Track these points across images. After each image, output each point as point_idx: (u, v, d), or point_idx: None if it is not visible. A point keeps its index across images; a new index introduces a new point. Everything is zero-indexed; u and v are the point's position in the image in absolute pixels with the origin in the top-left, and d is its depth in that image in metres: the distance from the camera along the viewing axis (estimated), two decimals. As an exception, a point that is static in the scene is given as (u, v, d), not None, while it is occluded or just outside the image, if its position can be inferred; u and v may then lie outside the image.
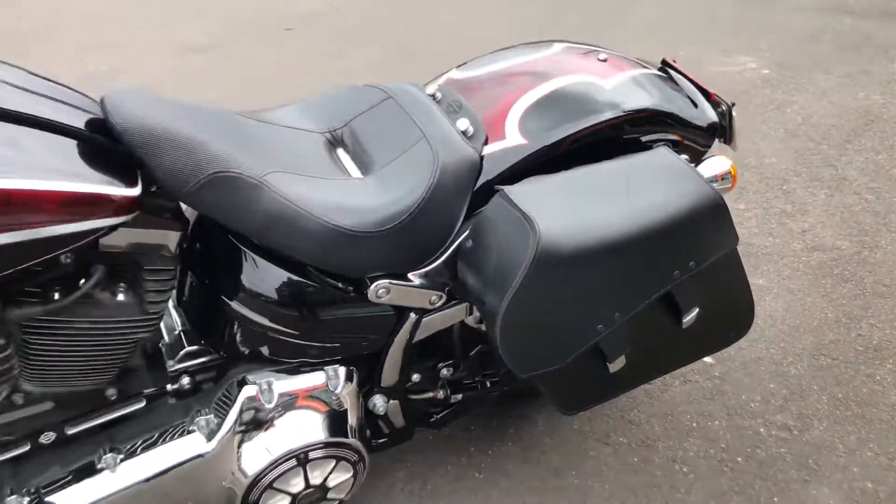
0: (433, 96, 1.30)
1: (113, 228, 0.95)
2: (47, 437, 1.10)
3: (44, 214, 0.87)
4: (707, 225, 1.16)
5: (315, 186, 1.10)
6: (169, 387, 1.17)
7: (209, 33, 4.48)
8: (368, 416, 1.33)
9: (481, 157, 1.20)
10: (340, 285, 1.15)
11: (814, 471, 1.55)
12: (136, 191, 0.95)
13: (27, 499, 1.06)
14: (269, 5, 5.04)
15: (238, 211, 1.03)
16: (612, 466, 1.55)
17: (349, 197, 1.11)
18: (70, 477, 1.09)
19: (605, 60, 1.36)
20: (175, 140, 0.98)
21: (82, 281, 1.00)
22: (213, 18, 4.77)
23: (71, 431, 1.11)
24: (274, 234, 1.06)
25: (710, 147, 1.41)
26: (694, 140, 1.37)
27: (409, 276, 1.18)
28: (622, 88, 1.30)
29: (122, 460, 1.10)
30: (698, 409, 1.70)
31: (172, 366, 1.18)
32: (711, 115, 1.38)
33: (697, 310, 1.24)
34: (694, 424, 1.66)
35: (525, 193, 1.10)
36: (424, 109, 1.23)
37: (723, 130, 1.41)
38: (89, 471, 1.09)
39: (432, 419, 1.45)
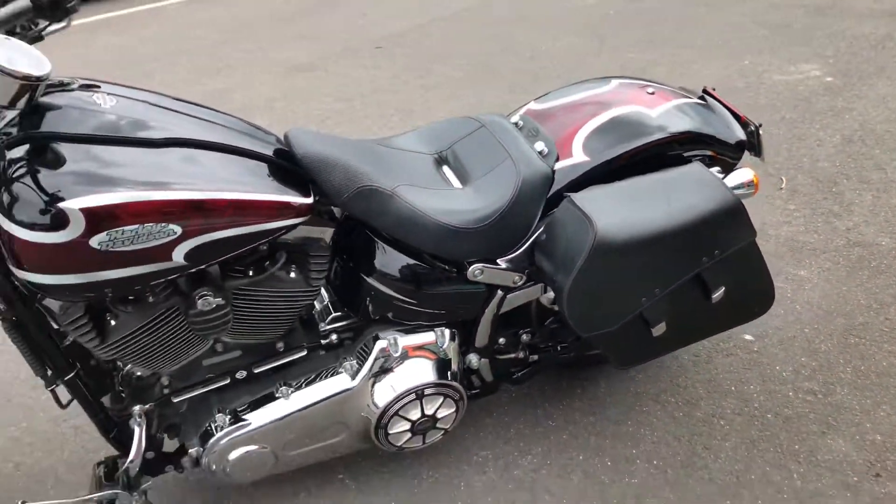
0: (516, 124, 1.69)
1: (293, 226, 1.38)
2: (241, 375, 1.54)
3: (254, 216, 1.30)
4: (727, 222, 1.51)
5: (429, 195, 1.50)
6: (322, 342, 1.60)
7: (310, 54, 4.98)
8: (465, 370, 1.73)
9: (553, 172, 1.58)
10: (447, 267, 1.55)
11: (832, 426, 1.86)
12: (310, 200, 1.37)
13: (229, 416, 1.50)
14: (360, 27, 5.53)
15: (376, 214, 1.45)
16: (660, 419, 1.91)
17: (454, 203, 1.51)
18: (257, 402, 1.53)
19: (652, 93, 1.72)
20: (335, 164, 1.40)
21: (268, 263, 1.43)
22: (312, 40, 5.28)
23: (257, 371, 1.55)
24: (401, 231, 1.47)
25: (739, 159, 1.74)
26: (725, 155, 1.71)
27: (498, 261, 1.57)
28: (666, 115, 1.65)
29: (292, 392, 1.53)
30: (737, 376, 2.03)
31: (323, 327, 1.61)
32: (740, 134, 1.71)
33: (724, 288, 1.59)
34: (732, 388, 2.00)
35: (586, 199, 1.48)
36: (509, 136, 1.62)
37: (752, 146, 1.75)
38: (269, 398, 1.53)
39: (514, 376, 1.84)
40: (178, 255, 1.24)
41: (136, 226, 1.18)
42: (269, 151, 1.40)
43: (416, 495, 1.73)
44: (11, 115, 1.20)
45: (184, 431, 1.57)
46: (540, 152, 1.59)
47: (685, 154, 1.68)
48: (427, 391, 1.57)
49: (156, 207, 1.19)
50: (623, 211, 1.47)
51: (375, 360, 1.55)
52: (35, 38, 1.42)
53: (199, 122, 1.37)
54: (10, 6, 1.30)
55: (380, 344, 1.56)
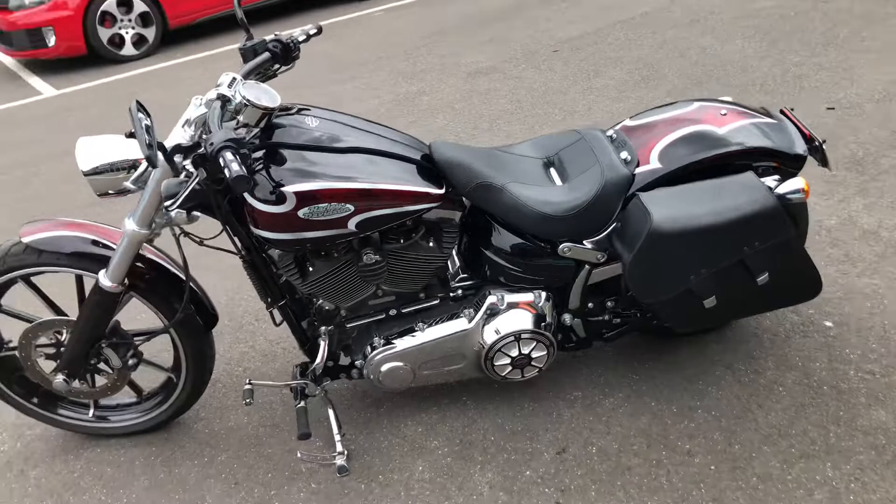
0: (610, 137, 2.18)
1: (430, 209, 1.97)
2: (393, 312, 2.17)
3: (402, 200, 1.91)
4: (764, 221, 1.89)
5: (533, 190, 2.04)
6: (451, 294, 2.19)
7: (493, 58, 5.59)
8: (563, 328, 2.25)
9: (633, 175, 2.05)
10: (543, 244, 2.08)
11: (880, 400, 2.17)
12: (442, 191, 1.96)
13: (383, 341, 2.14)
14: (543, 31, 6.04)
15: (492, 203, 2.01)
16: (728, 382, 2.31)
17: (551, 196, 2.03)
18: (403, 332, 2.15)
19: (724, 114, 2.13)
20: (460, 165, 1.98)
21: (413, 234, 2.04)
22: (498, 44, 5.88)
23: (404, 311, 2.18)
24: (510, 216, 2.02)
25: (800, 169, 2.10)
26: (787, 165, 2.09)
27: (584, 242, 2.07)
28: (732, 132, 2.06)
29: (427, 327, 2.14)
30: (807, 354, 2.37)
31: (453, 284, 2.20)
32: (800, 149, 2.07)
33: (767, 274, 1.99)
34: (799, 363, 2.34)
35: (651, 197, 1.94)
36: (601, 145, 2.11)
37: (819, 159, 2.10)
38: (411, 331, 2.15)
39: (605, 336, 2.33)
40: (352, 225, 1.89)
41: (326, 204, 1.83)
42: (417, 156, 2.00)
43: (518, 418, 2.28)
44: (255, 131, 1.89)
45: (353, 350, 2.23)
46: (624, 160, 2.07)
47: (753, 164, 2.08)
48: (524, 336, 2.11)
49: (339, 192, 1.83)
50: (678, 207, 1.92)
51: (486, 309, 2.12)
52: (270, 76, 2.13)
53: (372, 135, 2.00)
54: (258, 59, 2.02)
55: (490, 298, 2.13)
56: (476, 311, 2.14)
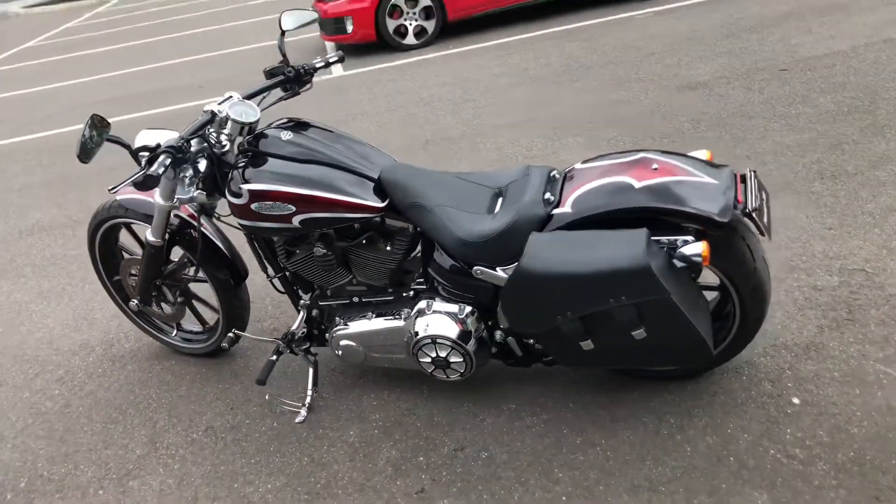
0: (552, 177, 2.33)
1: (369, 219, 2.36)
2: (356, 300, 2.60)
3: (340, 209, 2.32)
4: (632, 278, 1.95)
5: (460, 215, 2.30)
6: (404, 294, 2.55)
7: (711, 73, 5.44)
8: (502, 344, 2.47)
9: (550, 215, 2.21)
10: (462, 265, 2.34)
11: (772, 485, 2.07)
12: (381, 205, 2.33)
13: (343, 321, 2.59)
14: (788, 46, 5.67)
15: (422, 222, 2.32)
16: (647, 430, 2.30)
17: (473, 223, 2.27)
18: (357, 318, 2.57)
19: (656, 169, 2.16)
20: (398, 185, 2.32)
21: (362, 237, 2.44)
22: (727, 58, 5.69)
23: (365, 300, 2.59)
24: (435, 235, 2.32)
25: (719, 232, 2.07)
26: (708, 228, 2.07)
27: (497, 268, 2.29)
28: (645, 189, 2.10)
29: (374, 317, 2.53)
30: (745, 425, 2.25)
31: (412, 287, 2.55)
32: (716, 215, 2.02)
33: (642, 331, 2.04)
34: (729, 431, 2.26)
35: (538, 237, 2.10)
36: (534, 184, 2.28)
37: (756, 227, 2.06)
38: (365, 318, 2.56)
39: (544, 359, 2.49)
40: (296, 222, 2.36)
41: (272, 202, 2.33)
42: (369, 172, 2.39)
43: (451, 414, 2.56)
44: (240, 139, 2.43)
45: (325, 325, 2.70)
46: (546, 199, 2.23)
47: (664, 217, 2.10)
48: (439, 340, 2.40)
49: (283, 194, 2.32)
50: (554, 250, 2.06)
51: (416, 312, 2.45)
52: (294, 94, 2.67)
53: (339, 151, 2.43)
54: (266, 82, 2.57)
55: (420, 303, 2.45)
56: (409, 312, 2.48)
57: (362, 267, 2.49)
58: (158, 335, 3.14)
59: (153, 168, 2.05)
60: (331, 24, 7.88)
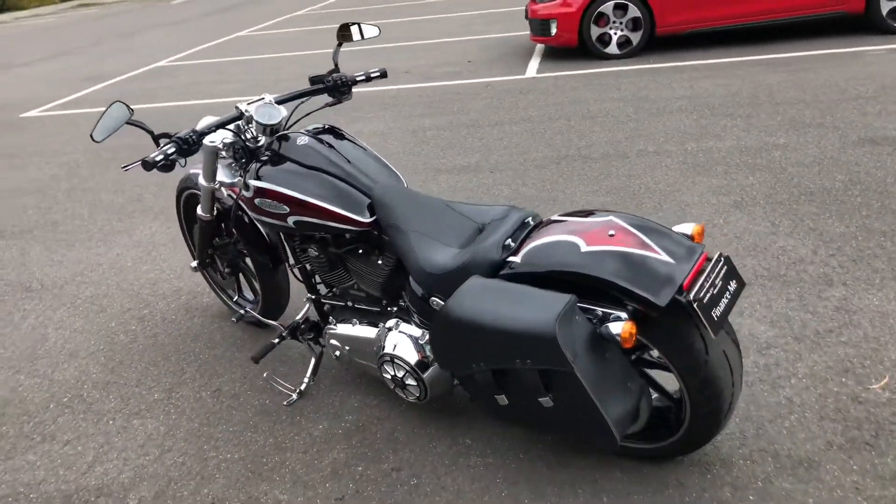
0: (526, 222, 2.27)
1: (354, 231, 2.46)
2: (349, 304, 2.72)
3: (328, 217, 2.45)
4: (537, 343, 1.88)
5: (431, 245, 2.32)
6: (388, 307, 2.62)
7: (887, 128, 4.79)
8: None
9: (504, 260, 2.17)
10: (423, 293, 2.37)
11: None
12: (367, 221, 2.43)
13: (333, 321, 2.72)
14: None
15: (396, 243, 2.38)
16: (566, 492, 2.23)
17: (439, 254, 2.29)
18: (343, 321, 2.69)
19: (612, 235, 2.03)
20: (384, 205, 2.39)
21: (350, 246, 2.55)
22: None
23: (356, 306, 2.70)
24: (404, 258, 2.37)
25: (656, 314, 1.91)
26: (634, 303, 1.93)
27: (452, 302, 2.29)
28: (590, 254, 1.98)
29: (357, 324, 2.64)
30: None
31: (401, 303, 2.62)
32: (653, 297, 1.87)
33: (549, 399, 1.96)
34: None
35: (473, 282, 2.07)
36: (504, 227, 2.24)
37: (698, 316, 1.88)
38: (350, 323, 2.68)
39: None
40: (290, 221, 2.53)
41: (270, 200, 2.52)
42: (367, 189, 2.49)
43: (409, 434, 2.60)
44: (263, 140, 2.63)
45: (326, 321, 2.85)
46: (505, 245, 2.20)
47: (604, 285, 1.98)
48: (395, 360, 2.45)
49: (279, 194, 2.49)
50: (480, 298, 2.03)
51: (386, 328, 2.52)
52: (336, 103, 2.83)
53: (345, 161, 2.55)
54: (301, 89, 2.75)
55: (391, 321, 2.52)
56: (382, 326, 2.56)
57: (356, 275, 2.60)
58: (220, 295, 3.49)
59: (153, 155, 2.31)
60: (537, 26, 7.93)
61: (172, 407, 2.90)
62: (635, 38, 7.59)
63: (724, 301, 1.95)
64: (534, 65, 7.85)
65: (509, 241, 2.17)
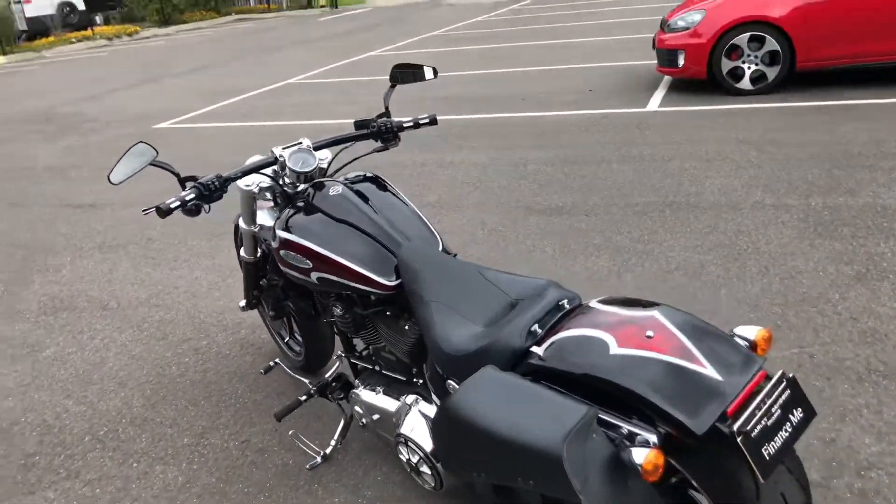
0: (560, 306, 1.95)
1: (379, 294, 2.23)
2: (377, 368, 2.49)
3: (351, 277, 2.23)
4: (541, 463, 1.56)
5: (452, 319, 2.05)
6: (415, 380, 2.37)
7: None
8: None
9: (527, 350, 1.87)
10: (440, 372, 2.09)
11: None
12: (392, 283, 2.20)
13: (361, 385, 2.49)
14: None
15: (417, 311, 2.13)
16: None
17: (458, 333, 2.02)
18: (367, 388, 2.46)
19: (651, 336, 1.69)
20: (410, 270, 2.15)
21: (375, 309, 2.32)
22: None
23: (384, 371, 2.47)
24: (423, 330, 2.11)
25: (692, 442, 1.55)
26: (666, 426, 1.58)
27: (469, 389, 2.01)
28: (622, 360, 1.66)
29: (380, 392, 2.40)
30: None
31: (420, 376, 2.36)
32: (696, 423, 1.52)
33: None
34: None
35: (484, 375, 1.79)
36: (535, 310, 1.93)
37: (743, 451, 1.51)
38: (372, 390, 2.44)
39: None
40: (314, 277, 2.33)
41: (294, 253, 2.34)
42: (395, 247, 2.26)
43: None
44: (302, 186, 2.46)
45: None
46: (531, 331, 1.89)
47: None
48: (409, 443, 2.19)
49: (303, 248, 2.30)
50: (489, 396, 1.74)
51: (405, 403, 2.27)
52: (383, 149, 2.61)
53: (377, 217, 2.32)
54: (341, 135, 2.55)
55: (409, 398, 2.26)
56: (403, 403, 2.31)
57: (385, 338, 2.38)
58: (273, 335, 3.36)
59: (169, 201, 2.18)
60: (664, 56, 7.47)
61: (197, 455, 2.77)
62: (772, 73, 6.97)
63: (782, 435, 1.57)
64: (657, 98, 7.38)
65: (536, 326, 1.86)
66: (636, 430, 1.63)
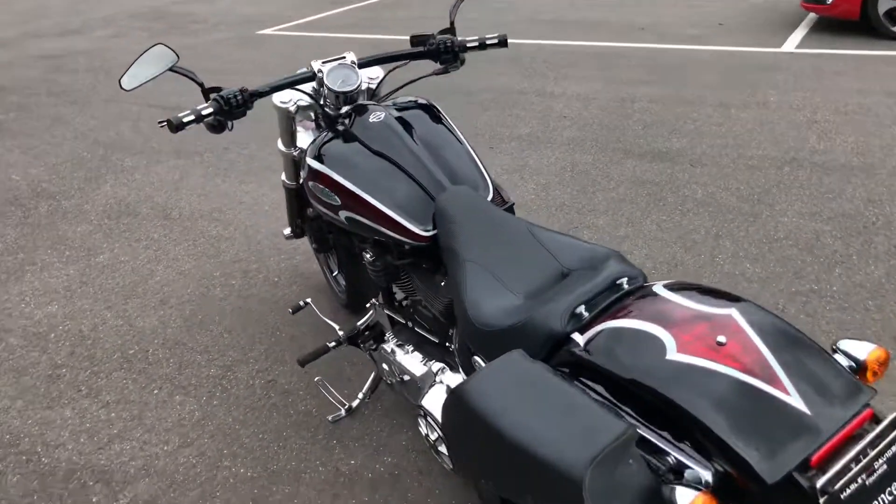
0: (619, 283, 1.56)
1: (413, 244, 1.90)
2: (409, 324, 2.18)
3: (384, 222, 1.89)
4: (561, 485, 1.22)
5: (486, 285, 1.70)
6: (447, 344, 2.05)
7: None
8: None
9: (567, 334, 1.50)
10: (467, 345, 1.75)
11: None
12: (427, 234, 1.86)
13: (393, 338, 2.18)
14: None
15: (450, 270, 1.79)
16: None
17: (491, 303, 1.65)
18: (398, 345, 2.16)
19: (722, 344, 1.29)
20: (449, 219, 1.80)
21: (407, 260, 1.99)
22: None
23: (416, 329, 2.16)
24: (454, 294, 1.77)
25: (759, 490, 1.17)
26: (728, 467, 1.20)
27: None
28: (679, 370, 1.28)
29: (410, 350, 2.08)
30: None
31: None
32: (766, 470, 1.15)
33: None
34: None
35: (510, 360, 1.43)
36: (588, 286, 1.54)
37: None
38: (402, 349, 2.14)
39: None
40: (342, 216, 2.02)
41: (322, 186, 2.03)
42: (437, 191, 1.91)
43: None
44: (347, 109, 2.12)
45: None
46: (576, 314, 1.52)
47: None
48: (429, 418, 1.88)
49: (333, 182, 1.99)
50: (508, 392, 1.40)
51: (431, 370, 1.96)
52: (443, 72, 2.22)
53: (422, 151, 1.97)
54: (391, 52, 2.17)
55: (436, 365, 1.95)
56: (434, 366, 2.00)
57: (421, 292, 2.06)
58: (322, 267, 3.11)
59: (183, 114, 1.90)
60: (809, -9, 6.59)
61: (220, 389, 2.58)
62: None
63: (884, 502, 1.17)
64: (796, 37, 6.55)
65: (583, 308, 1.49)
66: (686, 462, 1.26)
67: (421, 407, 1.89)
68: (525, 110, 5.17)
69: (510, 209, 2.13)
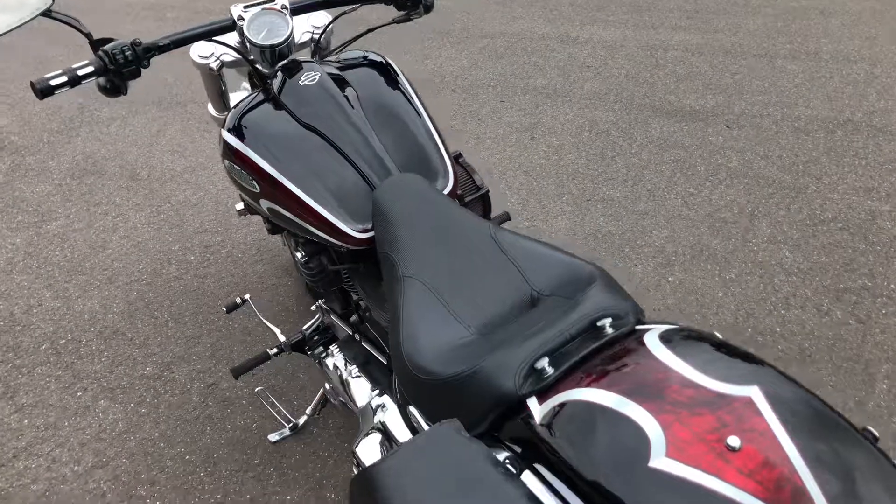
0: (600, 325, 1.12)
1: (346, 247, 1.47)
2: (358, 337, 1.76)
3: (312, 220, 1.46)
4: None
5: (428, 311, 1.27)
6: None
7: None
8: None
9: (521, 399, 1.07)
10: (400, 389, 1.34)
11: None
12: (363, 236, 1.43)
13: (332, 351, 1.79)
14: None
15: (386, 281, 1.36)
16: None
17: (431, 339, 1.22)
18: (342, 357, 1.75)
19: (734, 449, 0.85)
20: (384, 215, 1.38)
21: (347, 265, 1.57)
22: None
23: (365, 343, 1.75)
24: (385, 309, 1.36)
25: None
26: None
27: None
28: (664, 481, 0.84)
29: (357, 371, 1.68)
30: None
31: None
32: None
33: None
34: None
35: (437, 437, 1.02)
36: (563, 324, 1.12)
37: None
38: (348, 362, 1.73)
39: None
40: (263, 206, 1.60)
41: (237, 167, 1.59)
42: (380, 178, 1.47)
43: None
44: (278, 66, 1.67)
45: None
46: (539, 370, 1.09)
47: None
48: (359, 465, 1.49)
49: (250, 162, 1.55)
50: (432, 489, 0.99)
51: (370, 402, 1.55)
52: (405, 20, 1.75)
53: (354, 125, 1.52)
54: None
55: (376, 398, 1.53)
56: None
57: (363, 300, 1.64)
58: (287, 244, 2.69)
59: (49, 76, 1.46)
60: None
61: (151, 394, 2.21)
62: None
63: None
64: (856, -24, 5.83)
65: (545, 362, 1.05)
66: None
67: (354, 454, 1.49)
68: (544, 58, 4.63)
69: (486, 203, 1.69)
